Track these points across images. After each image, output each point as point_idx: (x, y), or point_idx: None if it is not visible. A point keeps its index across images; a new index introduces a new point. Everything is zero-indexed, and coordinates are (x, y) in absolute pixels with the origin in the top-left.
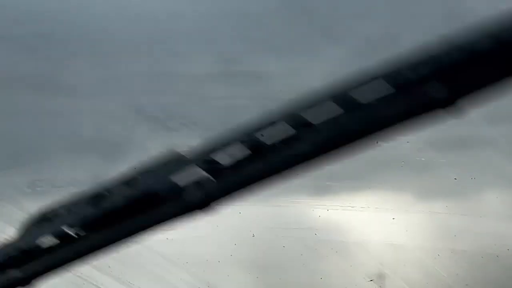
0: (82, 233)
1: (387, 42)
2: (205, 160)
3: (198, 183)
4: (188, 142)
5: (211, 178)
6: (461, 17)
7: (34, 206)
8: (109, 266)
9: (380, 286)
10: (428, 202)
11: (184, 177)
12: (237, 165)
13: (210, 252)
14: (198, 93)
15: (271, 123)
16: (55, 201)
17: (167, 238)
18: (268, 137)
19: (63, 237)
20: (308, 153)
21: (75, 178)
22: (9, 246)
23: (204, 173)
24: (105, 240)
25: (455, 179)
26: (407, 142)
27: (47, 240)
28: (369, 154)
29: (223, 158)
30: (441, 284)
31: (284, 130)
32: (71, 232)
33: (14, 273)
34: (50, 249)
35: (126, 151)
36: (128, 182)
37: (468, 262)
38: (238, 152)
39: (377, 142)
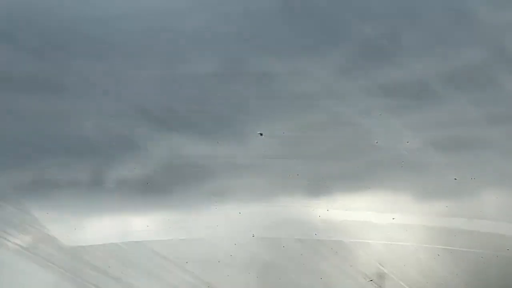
0: None
1: (390, 44)
2: None
3: None
4: (190, 142)
5: None
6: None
7: (34, 206)
8: (109, 266)
9: (380, 286)
10: (428, 202)
11: None
12: None
13: (210, 252)
14: (201, 93)
15: None
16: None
17: (167, 238)
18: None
19: None
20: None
21: (76, 178)
22: None
23: None
24: None
25: (455, 179)
26: (407, 142)
27: None
28: (369, 154)
29: None
30: (441, 284)
31: None
32: None
33: None
34: None
35: (127, 151)
36: None
37: (468, 262)
38: None
39: (376, 142)
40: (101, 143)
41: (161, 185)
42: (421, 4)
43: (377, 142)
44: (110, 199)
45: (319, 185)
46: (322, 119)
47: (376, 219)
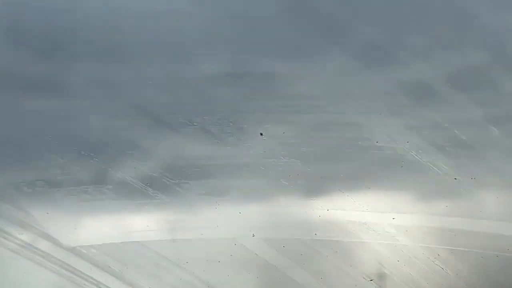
0: None
1: (390, 44)
2: None
3: None
4: (190, 142)
5: None
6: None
7: (34, 206)
8: (109, 266)
9: (380, 286)
10: (428, 202)
11: None
12: None
13: (210, 252)
14: (201, 93)
15: None
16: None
17: (167, 238)
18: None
19: None
20: None
21: (76, 178)
22: None
23: None
24: None
25: (455, 179)
26: (407, 142)
27: None
28: (369, 154)
29: None
30: (441, 285)
31: None
32: None
33: None
34: None
35: (127, 151)
36: None
37: (468, 262)
38: None
39: (377, 142)
40: (102, 143)
41: (161, 185)
42: (422, 5)
43: (377, 142)
44: (110, 199)
45: (319, 185)
46: (322, 119)
47: (376, 219)
